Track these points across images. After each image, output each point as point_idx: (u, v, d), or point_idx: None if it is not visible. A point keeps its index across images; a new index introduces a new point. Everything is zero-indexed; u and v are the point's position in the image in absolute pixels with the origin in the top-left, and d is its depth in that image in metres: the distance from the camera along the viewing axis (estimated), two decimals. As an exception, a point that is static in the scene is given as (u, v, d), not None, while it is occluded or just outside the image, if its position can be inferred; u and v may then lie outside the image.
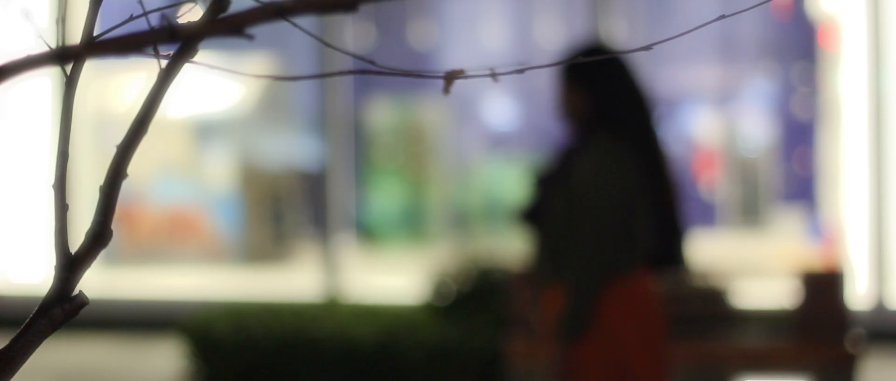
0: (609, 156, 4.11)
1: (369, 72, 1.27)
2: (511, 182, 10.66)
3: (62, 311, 1.33)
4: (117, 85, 11.60)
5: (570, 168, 4.15)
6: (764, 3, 1.36)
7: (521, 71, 1.28)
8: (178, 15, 1.36)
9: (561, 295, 4.13)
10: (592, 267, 4.05)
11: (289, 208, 11.98)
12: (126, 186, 1.33)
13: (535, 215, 4.25)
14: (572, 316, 4.06)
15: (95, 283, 10.26)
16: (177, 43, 1.17)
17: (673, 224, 4.30)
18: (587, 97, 4.17)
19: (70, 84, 1.31)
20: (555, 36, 10.92)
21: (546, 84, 9.42)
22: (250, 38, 1.10)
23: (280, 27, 1.31)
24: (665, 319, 4.30)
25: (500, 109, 11.43)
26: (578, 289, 4.06)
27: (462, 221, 11.23)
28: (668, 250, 4.31)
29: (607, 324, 4.08)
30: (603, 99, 4.16)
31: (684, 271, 4.53)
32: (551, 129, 4.57)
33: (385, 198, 11.38)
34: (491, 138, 11.38)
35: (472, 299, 7.32)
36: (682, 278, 5.94)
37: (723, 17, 1.40)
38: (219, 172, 11.78)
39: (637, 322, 4.12)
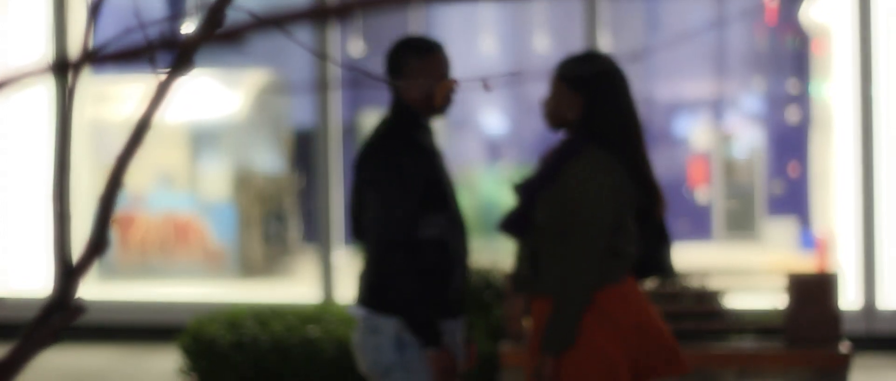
0: (598, 167, 4.06)
1: (363, 79, 1.31)
2: (507, 190, 10.67)
3: (61, 318, 1.35)
4: (115, 94, 11.61)
5: (554, 178, 4.10)
6: (752, 15, 1.41)
7: (512, 79, 1.32)
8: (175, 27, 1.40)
9: (545, 306, 4.10)
10: (579, 280, 4.01)
11: (284, 217, 12.00)
12: (122, 195, 1.36)
13: (516, 224, 4.20)
14: (558, 328, 4.02)
15: (92, 291, 10.27)
16: (173, 54, 1.20)
17: (660, 233, 4.28)
18: (578, 100, 4.10)
19: (68, 95, 1.34)
20: (549, 47, 10.95)
21: (541, 94, 9.45)
22: (244, 47, 1.13)
23: (275, 39, 1.34)
24: (657, 326, 4.26)
25: (495, 118, 11.45)
26: (564, 301, 4.02)
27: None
28: (656, 260, 4.28)
29: (592, 336, 4.04)
30: (593, 104, 4.08)
31: (673, 279, 4.52)
32: (547, 138, 4.58)
33: (380, 207, 11.38)
34: (487, 147, 11.40)
35: (469, 304, 7.34)
36: (675, 286, 5.97)
37: (713, 26, 1.43)
38: (215, 181, 11.80)
39: (624, 333, 4.08)
